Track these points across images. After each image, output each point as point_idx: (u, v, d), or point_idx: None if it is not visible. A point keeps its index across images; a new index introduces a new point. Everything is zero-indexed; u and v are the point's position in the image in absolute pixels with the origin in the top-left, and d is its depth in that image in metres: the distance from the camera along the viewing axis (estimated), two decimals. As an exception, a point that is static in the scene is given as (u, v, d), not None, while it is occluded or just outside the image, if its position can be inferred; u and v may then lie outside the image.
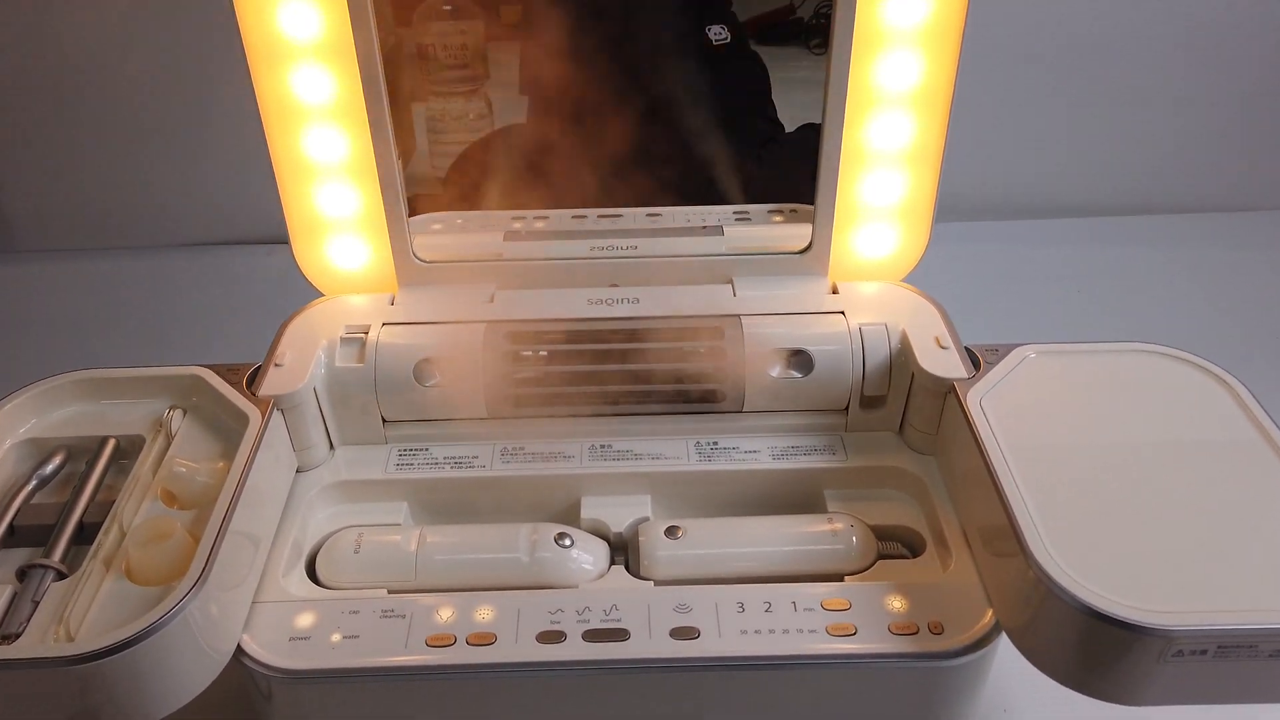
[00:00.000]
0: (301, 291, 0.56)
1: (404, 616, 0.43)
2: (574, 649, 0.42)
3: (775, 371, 0.52)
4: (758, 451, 0.52)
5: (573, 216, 0.61)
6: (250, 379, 0.49)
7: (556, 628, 0.43)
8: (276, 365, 0.50)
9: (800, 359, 0.52)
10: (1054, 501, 0.41)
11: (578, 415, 0.52)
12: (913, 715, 0.44)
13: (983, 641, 0.42)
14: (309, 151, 0.51)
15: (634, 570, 0.47)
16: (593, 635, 0.42)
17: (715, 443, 0.52)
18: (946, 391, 0.49)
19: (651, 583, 0.46)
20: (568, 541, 0.47)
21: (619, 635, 0.42)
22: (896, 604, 0.43)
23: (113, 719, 0.37)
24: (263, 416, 0.46)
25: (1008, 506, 0.41)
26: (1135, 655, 0.37)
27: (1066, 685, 0.39)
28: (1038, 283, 0.89)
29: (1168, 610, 0.36)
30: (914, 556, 0.48)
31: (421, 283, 0.55)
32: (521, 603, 0.44)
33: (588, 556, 0.47)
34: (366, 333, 0.52)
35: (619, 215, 0.61)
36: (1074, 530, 0.40)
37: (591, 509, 0.50)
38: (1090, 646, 0.38)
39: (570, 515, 0.50)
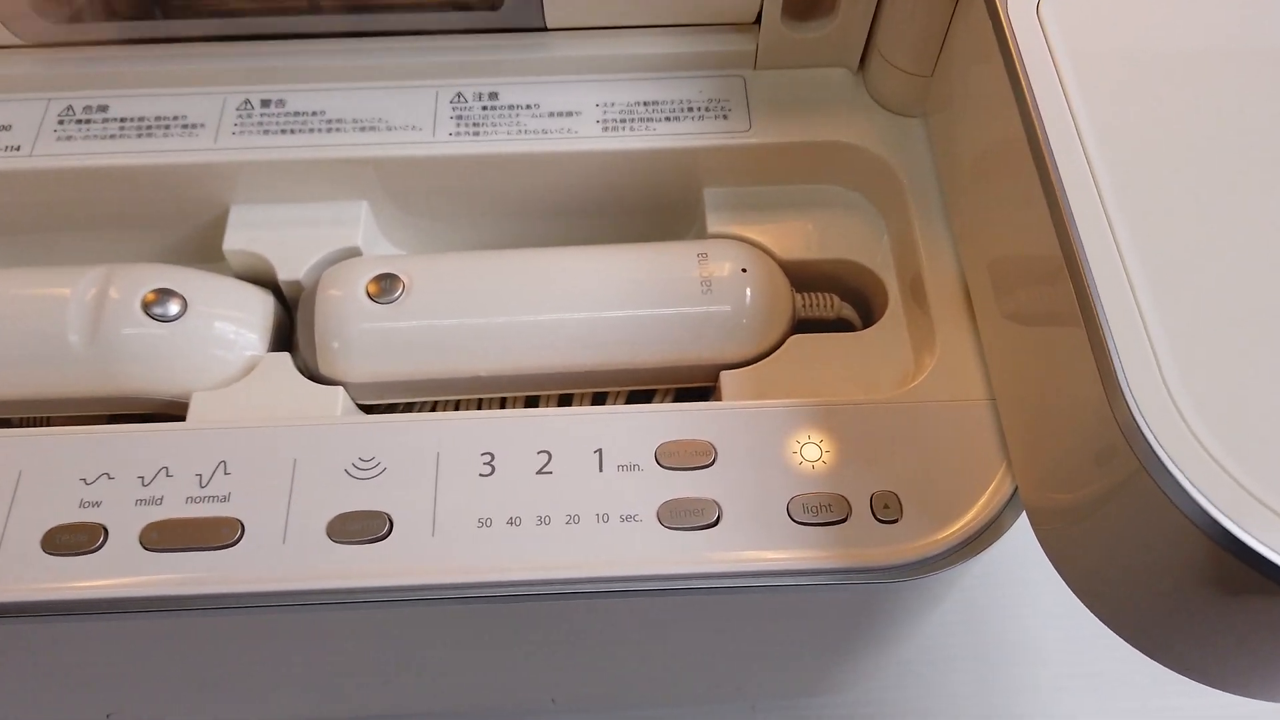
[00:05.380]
0: None
1: None
2: (117, 565, 0.20)
3: (605, -62, 0.24)
4: (576, 114, 0.26)
5: None
6: None
7: (90, 518, 0.20)
8: None
9: (660, -91, 0.24)
10: (1182, 242, 0.18)
11: (209, 38, 0.26)
12: (838, 646, 0.24)
13: (978, 540, 0.20)
14: None
15: (309, 365, 0.24)
16: (164, 535, 0.20)
17: (492, 96, 0.26)
18: (965, -19, 0.22)
19: (342, 391, 0.23)
20: (174, 308, 0.24)
21: (215, 535, 0.20)
22: (812, 448, 0.21)
23: None
24: None
25: (1071, 241, 0.17)
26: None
27: (1156, 659, 0.18)
28: None
29: None
30: (863, 327, 0.25)
31: None
32: (30, 455, 0.21)
33: (218, 331, 0.24)
34: None
35: None
36: (1223, 315, 0.17)
37: (244, 232, 0.25)
38: (1236, 620, 0.16)
39: (204, 245, 0.26)
